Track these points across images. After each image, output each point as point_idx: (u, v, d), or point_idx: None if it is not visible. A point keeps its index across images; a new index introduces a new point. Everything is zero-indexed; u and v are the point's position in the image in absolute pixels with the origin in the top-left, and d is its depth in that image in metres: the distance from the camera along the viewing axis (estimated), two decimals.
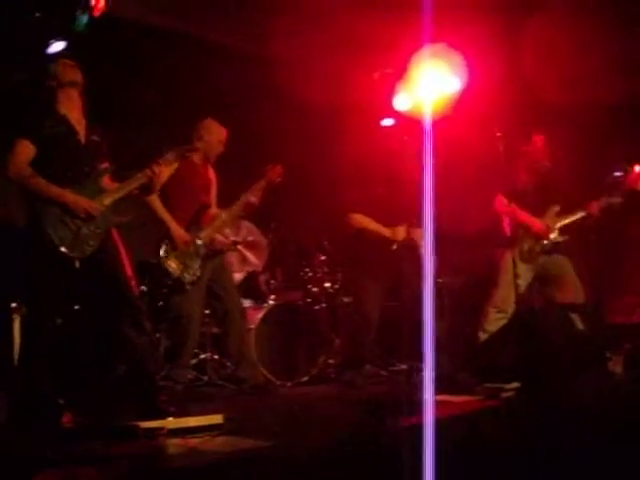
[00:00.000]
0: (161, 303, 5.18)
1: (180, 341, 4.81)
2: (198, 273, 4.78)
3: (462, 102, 5.18)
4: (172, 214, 4.80)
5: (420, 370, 3.11)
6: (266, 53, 6.75)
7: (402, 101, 5.77)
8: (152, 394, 3.86)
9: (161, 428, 3.03)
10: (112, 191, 3.98)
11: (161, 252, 4.72)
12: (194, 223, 4.88)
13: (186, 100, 6.13)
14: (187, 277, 4.74)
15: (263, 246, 6.24)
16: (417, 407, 3.00)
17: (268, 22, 6.28)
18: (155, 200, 4.68)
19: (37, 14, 4.31)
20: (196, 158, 4.98)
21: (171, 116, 5.94)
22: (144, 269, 5.03)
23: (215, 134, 5.05)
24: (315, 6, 6.05)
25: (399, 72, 5.60)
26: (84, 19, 4.40)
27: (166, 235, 4.76)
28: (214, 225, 4.97)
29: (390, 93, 5.84)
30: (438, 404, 3.01)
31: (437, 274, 5.63)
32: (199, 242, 4.83)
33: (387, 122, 6.48)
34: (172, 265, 4.72)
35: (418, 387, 3.24)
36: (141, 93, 5.99)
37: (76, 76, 3.96)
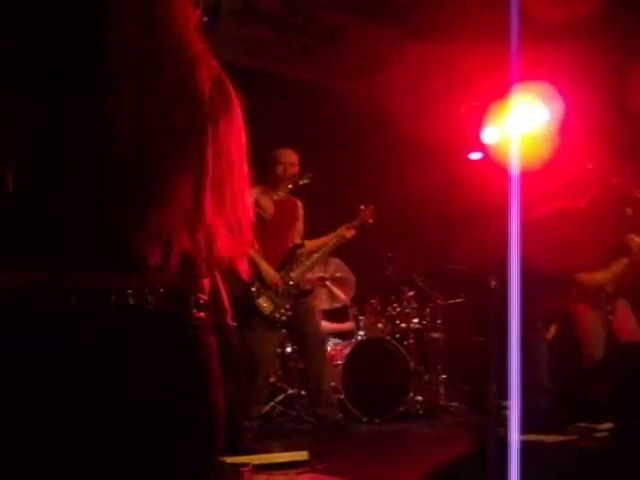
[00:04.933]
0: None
1: (248, 377, 4.64)
2: (289, 313, 4.78)
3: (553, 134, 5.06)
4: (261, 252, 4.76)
5: (506, 408, 3.04)
6: (356, 90, 6.81)
7: (490, 134, 5.70)
8: (237, 429, 3.89)
9: (247, 464, 3.05)
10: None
11: (253, 290, 4.70)
12: (287, 263, 4.89)
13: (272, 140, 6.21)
14: (277, 316, 4.74)
15: (351, 282, 6.22)
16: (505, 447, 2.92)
17: (354, 60, 6.35)
18: None
19: None
20: (273, 194, 4.90)
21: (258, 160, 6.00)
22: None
23: (278, 158, 4.95)
24: (401, 40, 6.08)
25: (487, 104, 5.54)
26: None
27: (257, 274, 4.73)
28: (306, 266, 4.98)
29: (478, 126, 5.77)
30: (526, 444, 2.93)
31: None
32: (291, 282, 4.85)
33: (475, 156, 6.42)
34: (263, 304, 4.72)
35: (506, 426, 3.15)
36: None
37: None
